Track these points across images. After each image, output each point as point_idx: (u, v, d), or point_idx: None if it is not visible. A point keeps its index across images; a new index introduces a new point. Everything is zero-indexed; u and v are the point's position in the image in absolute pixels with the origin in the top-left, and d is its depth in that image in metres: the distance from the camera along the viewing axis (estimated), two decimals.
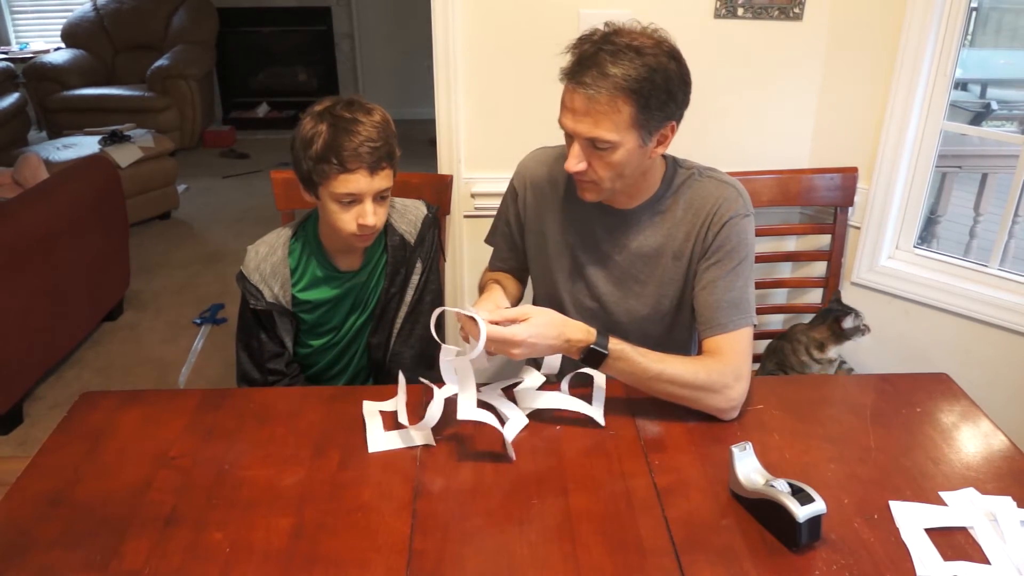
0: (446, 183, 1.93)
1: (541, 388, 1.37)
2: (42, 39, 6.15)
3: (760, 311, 1.53)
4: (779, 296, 2.26)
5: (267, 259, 1.55)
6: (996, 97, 3.64)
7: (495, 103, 2.06)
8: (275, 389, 1.56)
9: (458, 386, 1.23)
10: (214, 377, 2.90)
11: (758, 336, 1.51)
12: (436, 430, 1.26)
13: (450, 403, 1.25)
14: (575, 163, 1.30)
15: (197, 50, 5.58)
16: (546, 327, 1.24)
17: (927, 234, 2.70)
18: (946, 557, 1.04)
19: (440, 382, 1.29)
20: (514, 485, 1.18)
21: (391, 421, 1.32)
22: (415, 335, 1.64)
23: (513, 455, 1.22)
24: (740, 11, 1.97)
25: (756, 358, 1.97)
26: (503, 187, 1.59)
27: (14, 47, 6.03)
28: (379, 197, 1.44)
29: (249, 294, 1.54)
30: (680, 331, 1.53)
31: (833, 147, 2.07)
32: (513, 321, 1.24)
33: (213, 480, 1.18)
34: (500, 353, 1.23)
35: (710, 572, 1.01)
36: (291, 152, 1.45)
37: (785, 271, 2.24)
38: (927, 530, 1.08)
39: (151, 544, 1.06)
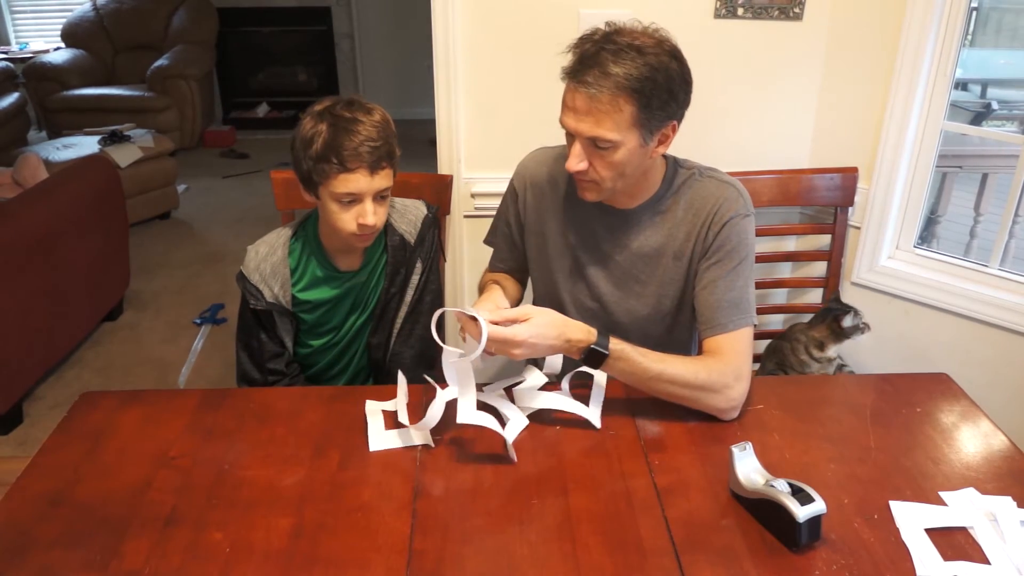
0: (446, 183, 1.93)
1: (543, 388, 1.37)
2: (42, 39, 6.15)
3: (760, 311, 1.53)
4: (779, 296, 2.26)
5: (267, 259, 1.55)
6: (996, 97, 3.64)
7: (495, 103, 2.07)
8: (275, 389, 1.56)
9: (458, 389, 1.23)
10: (214, 377, 2.90)
11: (758, 336, 1.51)
12: (437, 431, 1.26)
13: (451, 405, 1.25)
14: (576, 162, 1.30)
15: (197, 50, 5.58)
16: (547, 327, 1.24)
17: (927, 234, 2.70)
18: (946, 557, 1.04)
19: (442, 382, 1.29)
20: (514, 485, 1.18)
21: (392, 420, 1.32)
22: (415, 335, 1.64)
23: (514, 457, 1.22)
24: (740, 11, 1.97)
25: (756, 358, 1.97)
26: (503, 187, 1.59)
27: (14, 47, 6.03)
28: (379, 197, 1.44)
29: (249, 294, 1.54)
30: (680, 331, 1.53)
31: (833, 147, 2.07)
32: (514, 321, 1.23)
33: (213, 480, 1.18)
34: (501, 353, 1.23)
35: (710, 572, 1.01)
36: (291, 152, 1.45)
37: (785, 271, 2.24)
38: (927, 530, 1.08)
39: (151, 544, 1.06)
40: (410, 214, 1.63)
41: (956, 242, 3.06)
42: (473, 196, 2.14)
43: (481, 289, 1.62)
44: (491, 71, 2.03)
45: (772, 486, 1.06)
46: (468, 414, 1.22)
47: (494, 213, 1.63)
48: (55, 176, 3.11)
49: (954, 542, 1.06)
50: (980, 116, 3.40)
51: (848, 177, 2.03)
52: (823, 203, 2.07)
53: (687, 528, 1.09)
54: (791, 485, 1.06)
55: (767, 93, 2.06)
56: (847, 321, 1.86)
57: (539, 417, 1.32)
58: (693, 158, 1.48)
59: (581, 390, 1.35)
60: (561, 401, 1.33)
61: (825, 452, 1.24)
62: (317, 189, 1.44)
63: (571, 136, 1.30)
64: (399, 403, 1.33)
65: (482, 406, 1.26)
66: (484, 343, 1.17)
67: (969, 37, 2.08)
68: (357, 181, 1.39)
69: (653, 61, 1.22)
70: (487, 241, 1.66)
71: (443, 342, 1.24)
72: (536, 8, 1.97)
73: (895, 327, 2.08)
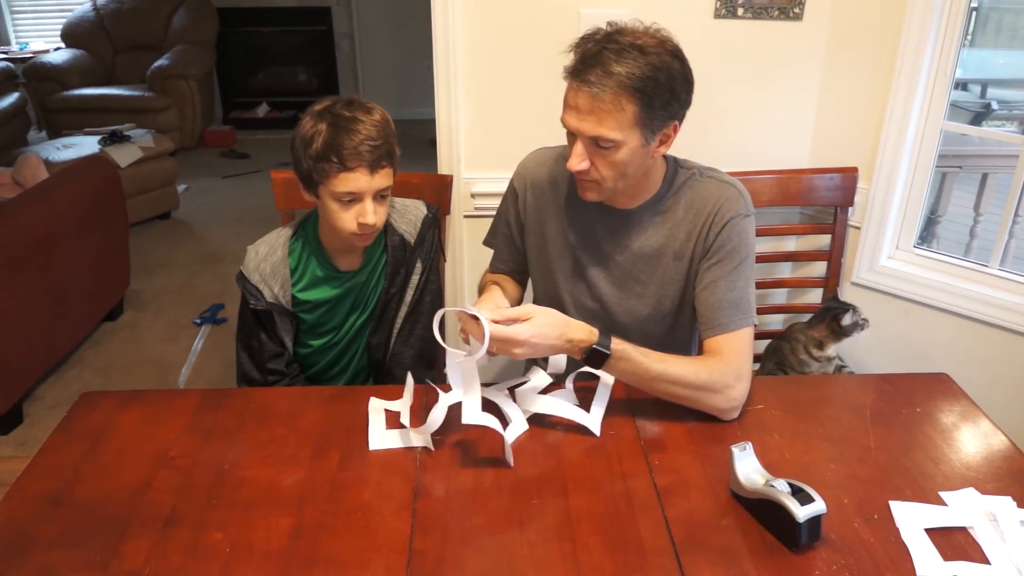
0: (446, 183, 1.93)
1: (547, 387, 1.37)
2: (42, 39, 6.15)
3: (760, 311, 1.53)
4: (779, 296, 2.26)
5: (267, 259, 1.55)
6: (996, 97, 3.64)
7: (495, 103, 2.06)
8: (275, 389, 1.56)
9: (462, 389, 1.23)
10: (214, 377, 2.90)
11: (758, 336, 1.51)
12: (437, 432, 1.25)
13: (453, 407, 1.24)
14: (578, 162, 1.30)
15: (197, 50, 5.58)
16: (548, 327, 1.24)
17: (927, 234, 2.70)
18: (946, 557, 1.04)
19: (443, 384, 1.29)
20: (514, 485, 1.18)
21: (394, 420, 1.32)
22: (415, 335, 1.64)
23: (511, 461, 1.22)
24: (740, 11, 1.97)
25: (756, 358, 1.97)
26: (503, 187, 1.59)
27: (14, 47, 6.03)
28: (379, 196, 1.44)
29: (249, 294, 1.54)
30: (681, 331, 1.53)
31: (833, 147, 2.07)
32: (515, 320, 1.23)
33: (213, 480, 1.18)
34: (502, 353, 1.23)
35: (710, 572, 1.01)
36: (291, 151, 1.45)
37: (785, 271, 2.24)
38: (927, 530, 1.08)
39: (151, 544, 1.06)
40: (410, 214, 1.63)
41: (956, 242, 3.06)
42: (473, 196, 2.14)
43: (481, 290, 1.62)
44: (491, 71, 2.03)
45: (772, 486, 1.06)
46: (473, 414, 1.21)
47: (494, 213, 1.63)
48: (55, 176, 3.11)
49: (954, 542, 1.06)
50: (980, 116, 3.40)
51: (848, 177, 2.03)
52: (823, 203, 2.07)
53: (687, 528, 1.09)
54: (791, 485, 1.06)
55: (767, 93, 2.06)
56: (847, 319, 1.86)
57: (539, 418, 1.32)
58: (693, 158, 1.48)
59: (587, 382, 1.34)
60: (562, 407, 1.32)
61: (825, 452, 1.24)
62: (317, 188, 1.44)
63: (572, 136, 1.30)
64: (404, 404, 1.33)
65: (485, 406, 1.26)
66: (487, 342, 1.17)
67: (969, 37, 2.09)
68: (357, 180, 1.39)
69: (655, 61, 1.22)
70: (487, 242, 1.66)
71: (444, 343, 1.24)
72: (536, 8, 1.97)
73: (895, 327, 2.08)
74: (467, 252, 2.21)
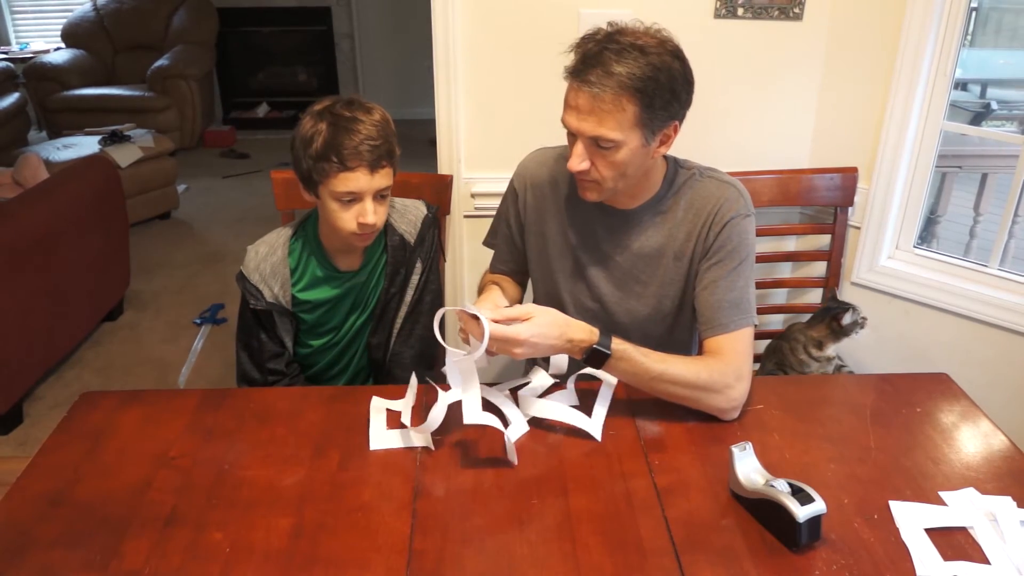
0: (446, 183, 1.93)
1: (548, 387, 1.37)
2: (42, 39, 6.15)
3: (760, 311, 1.53)
4: (779, 296, 2.26)
5: (267, 259, 1.55)
6: (996, 97, 3.64)
7: (495, 103, 2.07)
8: (275, 389, 1.56)
9: (462, 388, 1.23)
10: (214, 377, 2.90)
11: (758, 336, 1.51)
12: (437, 432, 1.26)
13: (453, 407, 1.24)
14: (578, 162, 1.29)
15: (197, 50, 5.58)
16: (548, 327, 1.24)
17: (927, 234, 2.70)
18: (946, 557, 1.04)
19: (443, 384, 1.29)
20: (514, 485, 1.18)
21: (394, 420, 1.32)
22: (415, 335, 1.64)
23: (515, 459, 1.22)
24: (740, 11, 1.97)
25: (756, 358, 1.97)
26: (503, 187, 1.59)
27: (14, 47, 6.03)
28: (379, 196, 1.44)
29: (249, 294, 1.54)
30: (681, 331, 1.53)
31: (833, 147, 2.07)
32: (515, 320, 1.23)
33: (213, 480, 1.18)
34: (502, 352, 1.23)
35: (710, 572, 1.01)
36: (291, 151, 1.45)
37: (785, 271, 2.25)
38: (927, 530, 1.08)
39: (151, 544, 1.06)
40: (410, 214, 1.63)
41: (956, 242, 3.06)
42: (473, 196, 2.14)
43: (480, 290, 1.62)
44: (491, 71, 2.03)
45: (772, 486, 1.06)
46: (473, 413, 1.21)
47: (494, 213, 1.63)
48: (55, 176, 3.11)
49: (954, 542, 1.06)
50: (980, 116, 3.40)
51: (848, 177, 2.03)
52: (823, 203, 2.07)
53: (687, 528, 1.09)
54: (791, 485, 1.06)
55: (767, 93, 2.06)
56: (847, 319, 1.86)
57: (540, 418, 1.32)
58: (693, 158, 1.48)
59: (589, 383, 1.34)
60: (563, 412, 1.31)
61: (825, 452, 1.24)
62: (317, 188, 1.44)
63: (573, 136, 1.30)
64: (406, 404, 1.33)
65: (486, 405, 1.26)
66: (487, 341, 1.17)
67: (969, 37, 2.09)
68: (357, 180, 1.39)
69: (656, 61, 1.22)
70: (487, 243, 1.66)
71: (444, 343, 1.24)
72: (536, 8, 1.97)
73: (895, 327, 2.08)
74: (467, 252, 2.21)
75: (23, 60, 5.59)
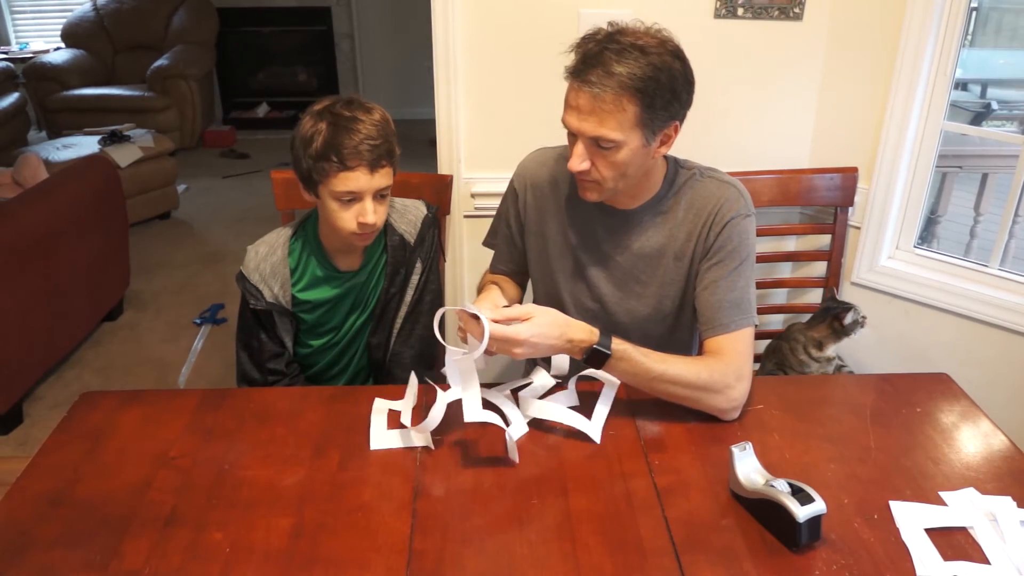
0: (446, 183, 1.93)
1: (549, 388, 1.37)
2: (42, 39, 6.15)
3: (760, 311, 1.53)
4: (779, 296, 2.26)
5: (267, 259, 1.55)
6: (996, 97, 3.64)
7: (495, 103, 2.07)
8: (275, 389, 1.56)
9: (462, 387, 1.23)
10: (214, 377, 2.90)
11: (758, 336, 1.51)
12: (437, 431, 1.26)
13: (452, 406, 1.24)
14: (578, 162, 1.29)
15: (197, 50, 5.58)
16: (548, 327, 1.24)
17: (927, 234, 2.70)
18: (946, 557, 1.04)
19: (443, 383, 1.29)
20: (514, 485, 1.18)
21: (394, 420, 1.32)
22: (415, 335, 1.64)
23: (516, 458, 1.22)
24: (740, 11, 1.97)
25: (756, 358, 1.97)
26: (503, 187, 1.59)
27: (14, 47, 6.03)
28: (379, 195, 1.44)
29: (249, 294, 1.54)
30: (681, 331, 1.53)
31: (833, 147, 2.07)
32: (515, 320, 1.23)
33: (213, 480, 1.18)
34: (502, 352, 1.23)
35: (710, 572, 1.01)
36: (291, 151, 1.45)
37: (785, 271, 2.25)
38: (927, 530, 1.08)
39: (151, 544, 1.06)
40: (410, 214, 1.63)
41: (956, 242, 3.06)
42: (473, 196, 2.14)
43: (480, 290, 1.62)
44: (491, 71, 2.03)
45: (772, 486, 1.06)
46: (474, 412, 1.21)
47: (494, 213, 1.63)
48: (55, 176, 3.11)
49: (954, 542, 1.06)
50: (980, 116, 3.40)
51: (848, 177, 2.03)
52: (823, 203, 2.07)
53: (687, 528, 1.09)
54: (791, 485, 1.06)
55: (767, 93, 2.06)
56: (848, 318, 1.86)
57: (540, 419, 1.32)
58: (694, 158, 1.48)
59: (591, 384, 1.34)
60: (564, 414, 1.31)
61: (825, 452, 1.24)
62: (317, 188, 1.44)
63: (573, 136, 1.30)
64: (406, 404, 1.33)
65: (486, 405, 1.26)
66: (487, 341, 1.17)
67: (969, 37, 2.09)
68: (357, 179, 1.39)
69: (656, 61, 1.22)
70: (487, 243, 1.66)
71: (444, 343, 1.24)
72: (536, 8, 1.97)
73: (895, 327, 2.08)
74: (467, 252, 2.21)
75: (23, 60, 5.60)
